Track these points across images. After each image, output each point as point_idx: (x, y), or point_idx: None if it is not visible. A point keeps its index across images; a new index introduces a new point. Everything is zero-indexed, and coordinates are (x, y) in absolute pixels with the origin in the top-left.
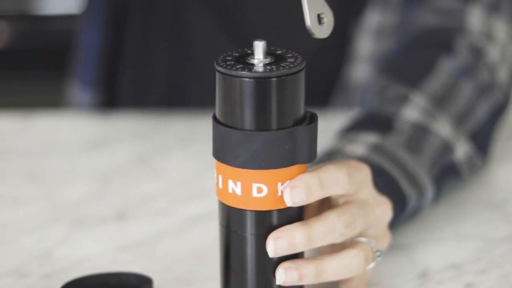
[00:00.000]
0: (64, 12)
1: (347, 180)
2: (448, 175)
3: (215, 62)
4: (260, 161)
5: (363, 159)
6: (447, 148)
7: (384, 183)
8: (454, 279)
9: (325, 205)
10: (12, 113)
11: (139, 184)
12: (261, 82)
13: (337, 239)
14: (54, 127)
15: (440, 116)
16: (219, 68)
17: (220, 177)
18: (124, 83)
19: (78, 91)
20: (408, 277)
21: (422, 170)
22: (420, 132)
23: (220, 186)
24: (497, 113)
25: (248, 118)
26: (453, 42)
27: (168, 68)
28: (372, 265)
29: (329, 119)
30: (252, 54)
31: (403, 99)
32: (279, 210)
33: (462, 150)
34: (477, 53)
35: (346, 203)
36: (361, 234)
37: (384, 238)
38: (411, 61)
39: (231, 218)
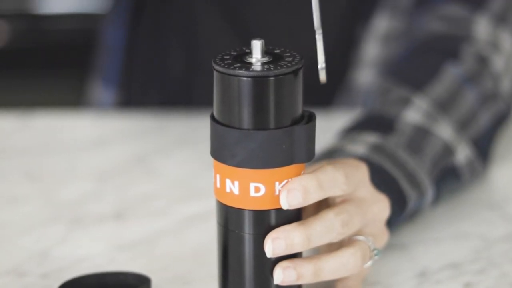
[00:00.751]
0: (63, 11)
1: (345, 181)
2: (448, 178)
3: (212, 61)
4: (258, 160)
5: (363, 159)
6: (448, 150)
7: (384, 182)
8: (452, 278)
9: (323, 203)
10: (11, 112)
11: (137, 183)
12: (258, 81)
13: (335, 238)
14: (52, 127)
15: (442, 120)
16: (217, 67)
17: (218, 176)
18: (140, 82)
19: (100, 91)
20: (406, 276)
21: (422, 171)
22: (421, 134)
23: (218, 185)
24: (498, 123)
25: (245, 117)
26: (459, 49)
27: (183, 68)
28: (369, 263)
29: (331, 118)
30: (250, 53)
31: (405, 102)
32: (277, 210)
33: (463, 153)
34: (482, 61)
35: (343, 201)
36: (358, 232)
37: (382, 235)
38: (416, 65)
39: (228, 217)
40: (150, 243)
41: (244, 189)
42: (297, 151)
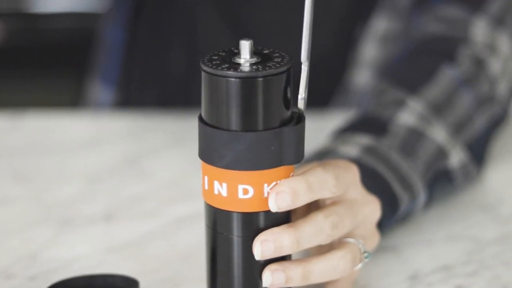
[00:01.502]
0: (58, 10)
1: (335, 183)
2: (441, 181)
3: (201, 61)
4: (246, 162)
5: (355, 161)
6: (441, 154)
7: (376, 185)
8: (444, 281)
9: (313, 205)
10: (2, 112)
11: (127, 184)
12: (247, 82)
13: (324, 240)
14: (43, 127)
15: (437, 123)
16: (205, 68)
17: (206, 178)
18: (139, 82)
19: (99, 90)
20: (398, 278)
21: (415, 174)
22: (415, 137)
23: (206, 187)
24: (494, 126)
25: (233, 118)
26: (456, 51)
27: (182, 68)
28: (359, 266)
29: (328, 119)
30: (238, 53)
31: (400, 104)
32: (266, 212)
33: (457, 157)
34: (479, 64)
35: (333, 203)
36: (349, 234)
37: (373, 237)
38: (412, 67)
39: (217, 219)
40: (140, 244)
41: (233, 191)
42: (286, 153)
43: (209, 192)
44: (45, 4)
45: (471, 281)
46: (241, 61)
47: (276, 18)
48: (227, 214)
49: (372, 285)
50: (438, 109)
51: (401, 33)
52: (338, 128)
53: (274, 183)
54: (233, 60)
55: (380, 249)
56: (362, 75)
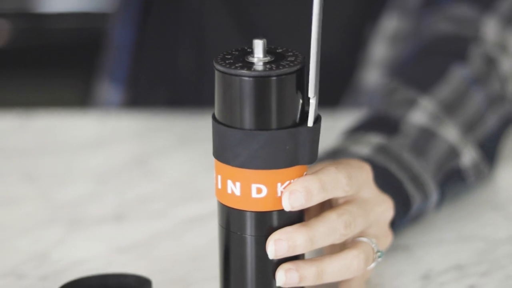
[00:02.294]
0: (65, 10)
1: (347, 182)
2: (453, 180)
3: (214, 60)
4: (260, 161)
5: (367, 160)
6: (453, 153)
7: (389, 184)
8: (456, 280)
9: (326, 204)
10: (10, 112)
11: (136, 185)
12: (260, 81)
13: (338, 239)
14: (52, 127)
15: (449, 122)
16: (218, 67)
17: (219, 177)
18: (148, 81)
19: (108, 90)
20: (410, 278)
21: (427, 174)
22: (426, 136)
23: (219, 186)
24: (505, 125)
25: (247, 117)
26: (467, 50)
27: (191, 67)
28: (372, 265)
29: (337, 118)
30: (252, 52)
31: (411, 103)
32: (279, 211)
33: (468, 156)
34: (490, 63)
35: (346, 202)
36: (362, 234)
37: (385, 237)
38: (422, 66)
39: (230, 219)
40: (150, 245)
41: (246, 190)
42: (300, 153)
43: (222, 191)
44: (52, 4)
45: (484, 281)
46: (255, 60)
47: (286, 17)
48: (241, 213)
49: (385, 285)
50: (450, 108)
51: (410, 33)
52: (350, 127)
53: (287, 182)
54: (246, 59)
55: (392, 249)
56: (372, 75)
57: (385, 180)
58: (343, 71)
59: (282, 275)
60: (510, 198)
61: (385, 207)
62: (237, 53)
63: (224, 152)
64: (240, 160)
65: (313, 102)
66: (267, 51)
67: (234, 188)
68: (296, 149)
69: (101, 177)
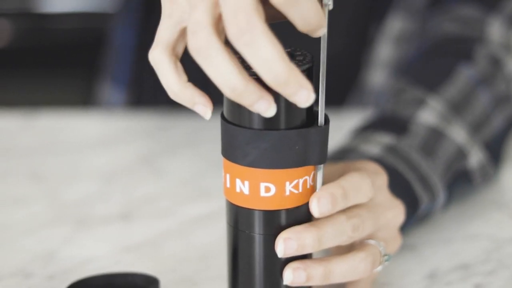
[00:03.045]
0: (66, 10)
1: (371, 189)
2: (460, 181)
3: None
4: (269, 160)
5: (377, 159)
6: (461, 154)
7: (397, 184)
8: (462, 279)
9: None
10: (15, 112)
11: (143, 184)
12: None
13: (345, 241)
14: (57, 126)
15: (456, 122)
16: None
17: (227, 176)
18: (151, 83)
19: (110, 91)
20: (416, 277)
21: (435, 174)
22: (435, 136)
23: (228, 185)
24: (511, 125)
25: (256, 116)
26: (473, 51)
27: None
28: (379, 268)
29: (343, 118)
30: None
31: (419, 103)
32: (287, 210)
33: (476, 157)
34: (496, 63)
35: (357, 205)
36: (371, 236)
37: (394, 241)
38: (429, 66)
39: (238, 217)
40: (157, 244)
41: (255, 189)
42: (310, 153)
43: (230, 190)
44: (54, 4)
45: (489, 280)
46: None
47: None
48: (249, 212)
49: (391, 284)
50: (457, 109)
51: (415, 33)
52: (359, 126)
53: (296, 181)
54: None
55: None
56: (377, 75)
57: (394, 180)
58: (348, 71)
59: (289, 274)
60: None
61: (396, 212)
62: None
63: (233, 151)
64: (250, 159)
65: (322, 103)
66: None
67: (242, 186)
68: (305, 150)
69: (107, 177)
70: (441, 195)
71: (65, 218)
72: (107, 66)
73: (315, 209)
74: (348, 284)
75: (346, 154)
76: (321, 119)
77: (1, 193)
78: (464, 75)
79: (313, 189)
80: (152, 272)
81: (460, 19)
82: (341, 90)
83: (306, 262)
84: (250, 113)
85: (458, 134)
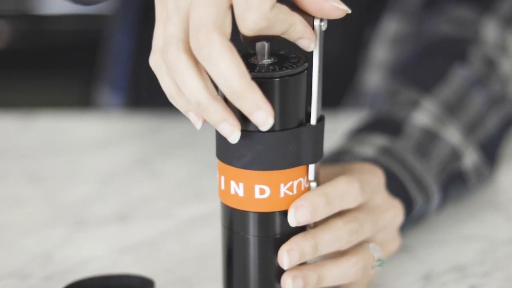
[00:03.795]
0: (64, 11)
1: (359, 192)
2: (455, 183)
3: None
4: (264, 162)
5: (371, 161)
6: (455, 155)
7: (391, 185)
8: (458, 281)
9: None
10: (13, 114)
11: (140, 185)
12: (263, 82)
13: (343, 246)
14: (55, 128)
15: (451, 123)
16: None
17: (222, 178)
18: (148, 89)
19: (108, 97)
20: (411, 278)
21: (429, 176)
22: (429, 138)
23: (223, 187)
24: (506, 126)
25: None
26: (467, 52)
27: None
28: (372, 272)
29: (339, 120)
30: (255, 54)
31: (414, 104)
32: (282, 212)
33: (470, 158)
34: (490, 64)
35: (356, 209)
36: (369, 239)
37: (393, 242)
38: (424, 67)
39: (233, 219)
40: (154, 245)
41: (249, 191)
42: (303, 152)
43: (225, 192)
44: (52, 6)
45: (485, 281)
46: (258, 61)
47: None
48: (244, 214)
49: (386, 285)
50: (451, 110)
51: (411, 34)
52: (353, 128)
53: (290, 183)
54: (249, 61)
55: None
56: (373, 77)
57: (388, 181)
58: (344, 73)
59: (290, 283)
60: (511, 199)
61: (394, 213)
62: (240, 54)
63: (228, 154)
64: (244, 162)
65: (314, 101)
66: (270, 53)
67: (237, 188)
68: (299, 149)
69: (105, 178)
70: (436, 197)
71: (62, 219)
72: (104, 71)
73: (292, 219)
74: (342, 286)
75: (341, 156)
76: (313, 118)
77: None
78: (459, 76)
79: (307, 191)
80: (149, 272)
81: (455, 20)
82: (337, 91)
83: (303, 270)
84: (244, 114)
85: (452, 135)
